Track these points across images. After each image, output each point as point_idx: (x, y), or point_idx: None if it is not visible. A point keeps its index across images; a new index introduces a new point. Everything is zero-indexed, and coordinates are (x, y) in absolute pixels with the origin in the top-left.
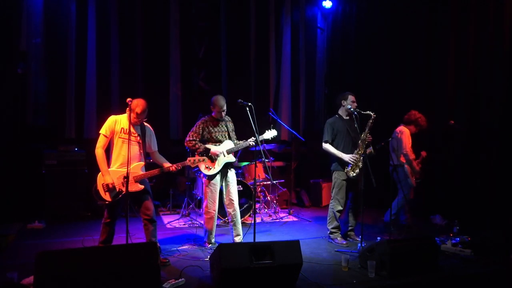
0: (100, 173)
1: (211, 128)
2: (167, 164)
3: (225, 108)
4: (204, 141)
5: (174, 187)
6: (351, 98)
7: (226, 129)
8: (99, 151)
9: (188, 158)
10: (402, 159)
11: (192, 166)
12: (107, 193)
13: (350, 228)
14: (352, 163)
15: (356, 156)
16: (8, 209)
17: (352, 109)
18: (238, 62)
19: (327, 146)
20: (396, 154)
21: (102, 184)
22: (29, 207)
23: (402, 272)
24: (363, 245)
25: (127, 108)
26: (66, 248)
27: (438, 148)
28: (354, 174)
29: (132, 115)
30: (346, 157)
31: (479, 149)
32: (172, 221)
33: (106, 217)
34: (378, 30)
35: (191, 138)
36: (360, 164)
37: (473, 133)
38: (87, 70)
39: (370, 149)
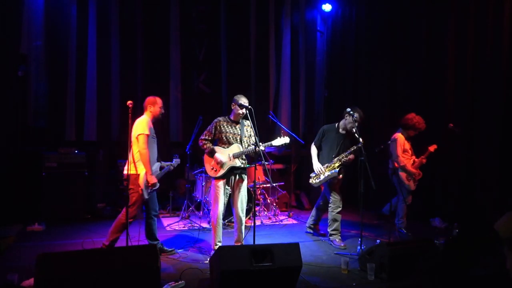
0: (144, 173)
1: (223, 128)
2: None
3: (243, 102)
4: (217, 140)
5: (174, 190)
6: (356, 117)
7: (239, 133)
8: (147, 151)
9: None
10: (396, 165)
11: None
12: (146, 191)
13: (314, 221)
14: (316, 172)
15: (323, 168)
16: (8, 211)
17: (354, 130)
18: (238, 64)
19: (311, 148)
20: (391, 159)
21: (147, 185)
22: (29, 209)
23: (402, 275)
24: (362, 247)
25: (149, 110)
26: (66, 250)
27: (437, 151)
28: (314, 183)
29: (157, 108)
30: (314, 164)
31: (478, 152)
32: (172, 224)
33: (131, 216)
34: (378, 33)
35: (203, 137)
36: (322, 177)
37: (473, 136)
38: (87, 73)
39: (339, 174)
